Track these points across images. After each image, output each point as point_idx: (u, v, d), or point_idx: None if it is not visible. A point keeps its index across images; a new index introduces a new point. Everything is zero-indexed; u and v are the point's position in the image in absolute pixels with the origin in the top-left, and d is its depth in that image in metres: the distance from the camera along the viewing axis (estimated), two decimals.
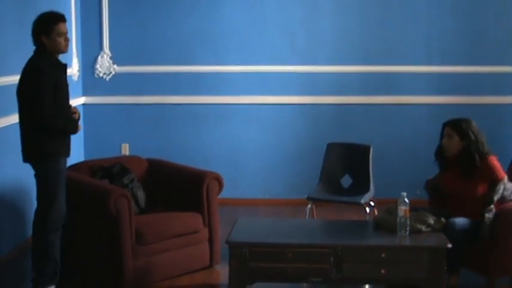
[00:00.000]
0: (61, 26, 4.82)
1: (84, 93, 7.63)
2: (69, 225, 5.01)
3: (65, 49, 4.87)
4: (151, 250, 5.22)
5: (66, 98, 4.87)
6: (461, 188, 5.01)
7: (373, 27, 7.53)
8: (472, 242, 4.86)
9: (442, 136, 5.11)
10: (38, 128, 4.71)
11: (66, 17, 4.91)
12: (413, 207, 4.78)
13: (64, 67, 4.90)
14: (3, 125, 5.65)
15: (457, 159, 5.05)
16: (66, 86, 4.89)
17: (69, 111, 4.89)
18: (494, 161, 5.00)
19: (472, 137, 4.98)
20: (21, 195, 5.90)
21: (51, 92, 4.68)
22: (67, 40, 4.87)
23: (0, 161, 5.65)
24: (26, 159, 4.84)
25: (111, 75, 7.64)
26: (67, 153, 4.91)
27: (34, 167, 4.84)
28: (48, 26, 4.78)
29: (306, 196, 6.01)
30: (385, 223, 4.79)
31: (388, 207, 4.94)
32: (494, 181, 4.95)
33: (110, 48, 7.61)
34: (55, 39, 4.78)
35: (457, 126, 5.03)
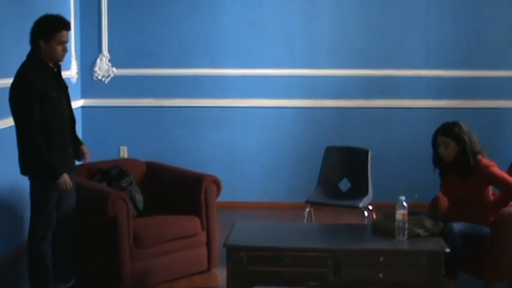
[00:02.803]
0: (63, 34, 4.55)
1: (83, 95, 7.62)
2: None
3: (61, 58, 4.62)
4: (149, 253, 5.21)
5: (55, 112, 4.62)
6: (460, 191, 5.02)
7: (372, 30, 7.52)
8: (472, 246, 4.85)
9: (434, 145, 5.11)
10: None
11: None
12: (412, 211, 4.78)
13: (57, 74, 4.68)
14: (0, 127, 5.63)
15: (454, 164, 5.06)
16: (58, 96, 4.63)
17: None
18: (493, 167, 5.00)
19: (466, 139, 4.99)
20: (19, 197, 5.86)
21: (37, 108, 4.46)
22: (65, 50, 4.60)
23: None
24: (21, 172, 4.69)
25: (109, 77, 7.63)
26: (62, 170, 4.63)
27: (29, 180, 4.71)
28: (49, 32, 4.51)
29: (304, 200, 6.01)
30: (384, 227, 4.79)
31: (386, 211, 4.94)
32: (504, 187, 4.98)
33: (109, 51, 7.61)
34: (53, 47, 4.53)
35: (450, 132, 5.02)
